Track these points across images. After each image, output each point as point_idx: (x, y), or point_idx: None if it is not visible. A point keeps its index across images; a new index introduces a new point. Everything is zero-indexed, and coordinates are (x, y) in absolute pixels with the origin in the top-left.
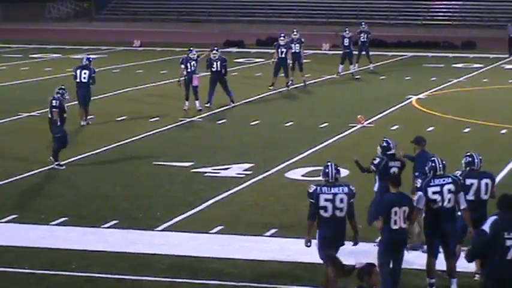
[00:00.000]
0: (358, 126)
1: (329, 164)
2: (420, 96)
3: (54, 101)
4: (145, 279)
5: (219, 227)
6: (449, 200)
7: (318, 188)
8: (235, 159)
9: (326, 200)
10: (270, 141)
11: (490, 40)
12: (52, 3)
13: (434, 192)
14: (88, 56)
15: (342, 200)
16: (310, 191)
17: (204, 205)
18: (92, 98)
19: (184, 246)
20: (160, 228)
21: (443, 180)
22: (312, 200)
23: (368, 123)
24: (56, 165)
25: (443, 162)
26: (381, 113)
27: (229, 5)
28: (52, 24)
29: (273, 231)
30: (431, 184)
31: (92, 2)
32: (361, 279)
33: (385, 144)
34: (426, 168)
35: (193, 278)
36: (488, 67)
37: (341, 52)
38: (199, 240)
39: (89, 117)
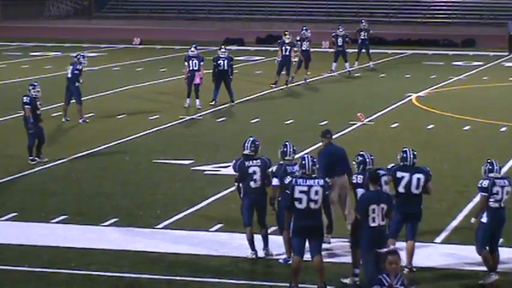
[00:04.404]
0: (358, 123)
1: (306, 156)
2: (420, 94)
3: (25, 98)
4: (145, 277)
5: (219, 225)
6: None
7: (294, 179)
8: (235, 157)
9: (301, 191)
10: (270, 139)
11: (490, 38)
12: (52, 1)
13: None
14: (81, 54)
15: (316, 193)
16: (286, 182)
17: (204, 203)
18: (92, 96)
19: (184, 244)
20: (160, 226)
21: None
22: (287, 191)
23: (368, 121)
24: (30, 160)
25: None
26: (380, 110)
27: (229, 3)
28: (52, 22)
29: (273, 229)
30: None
31: (91, 0)
32: (379, 266)
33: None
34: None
35: (192, 275)
36: (488, 65)
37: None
38: (199, 238)
39: (85, 115)
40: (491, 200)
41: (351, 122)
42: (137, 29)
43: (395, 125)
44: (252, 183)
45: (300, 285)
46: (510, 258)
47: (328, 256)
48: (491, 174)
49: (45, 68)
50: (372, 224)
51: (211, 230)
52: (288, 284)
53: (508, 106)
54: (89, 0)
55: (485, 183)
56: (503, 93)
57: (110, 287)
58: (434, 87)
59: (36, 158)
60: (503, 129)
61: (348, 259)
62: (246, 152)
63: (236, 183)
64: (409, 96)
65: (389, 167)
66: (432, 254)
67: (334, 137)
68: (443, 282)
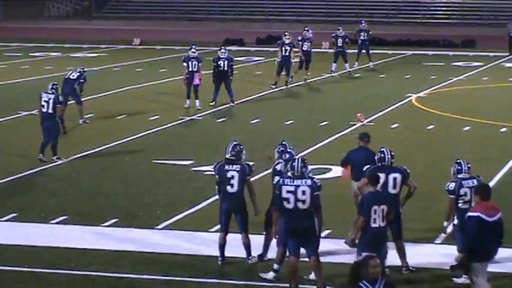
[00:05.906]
0: (358, 124)
1: (297, 158)
2: (420, 94)
3: (60, 97)
4: (145, 277)
5: (219, 226)
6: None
7: (281, 179)
8: None
9: (288, 191)
10: (270, 139)
11: (490, 38)
12: (52, 2)
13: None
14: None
15: (304, 193)
16: (275, 182)
17: (204, 203)
18: (92, 97)
19: (184, 244)
20: (160, 226)
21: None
22: (276, 192)
23: (368, 122)
24: (57, 158)
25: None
26: (381, 111)
27: (229, 3)
28: (52, 22)
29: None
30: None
31: (91, 1)
32: (359, 274)
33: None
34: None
35: (192, 276)
36: (488, 65)
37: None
38: (199, 238)
39: (85, 116)
40: (459, 201)
41: (351, 123)
42: (137, 30)
43: (396, 125)
44: (228, 188)
45: (300, 286)
46: (510, 258)
47: (327, 256)
48: (460, 175)
49: (46, 68)
50: (373, 225)
51: (211, 230)
52: (288, 285)
53: (508, 106)
54: (89, 1)
55: (452, 185)
56: (503, 93)
57: (109, 287)
58: (434, 88)
59: (55, 158)
60: (503, 129)
61: (347, 259)
62: (227, 156)
63: (216, 186)
64: (409, 96)
65: (364, 169)
66: (432, 254)
67: (334, 137)
68: (443, 282)
